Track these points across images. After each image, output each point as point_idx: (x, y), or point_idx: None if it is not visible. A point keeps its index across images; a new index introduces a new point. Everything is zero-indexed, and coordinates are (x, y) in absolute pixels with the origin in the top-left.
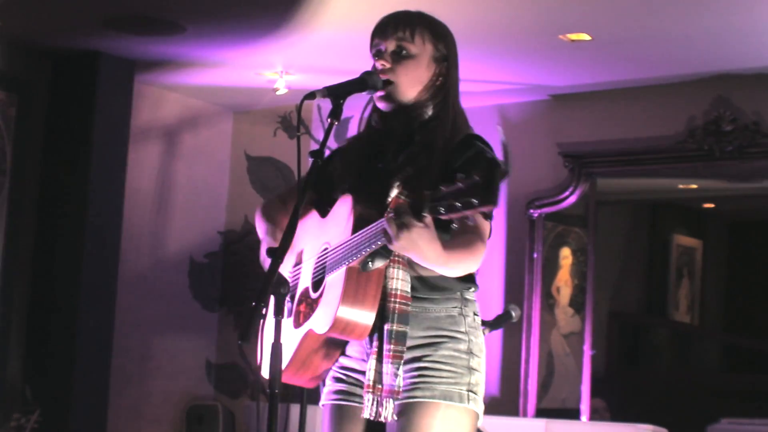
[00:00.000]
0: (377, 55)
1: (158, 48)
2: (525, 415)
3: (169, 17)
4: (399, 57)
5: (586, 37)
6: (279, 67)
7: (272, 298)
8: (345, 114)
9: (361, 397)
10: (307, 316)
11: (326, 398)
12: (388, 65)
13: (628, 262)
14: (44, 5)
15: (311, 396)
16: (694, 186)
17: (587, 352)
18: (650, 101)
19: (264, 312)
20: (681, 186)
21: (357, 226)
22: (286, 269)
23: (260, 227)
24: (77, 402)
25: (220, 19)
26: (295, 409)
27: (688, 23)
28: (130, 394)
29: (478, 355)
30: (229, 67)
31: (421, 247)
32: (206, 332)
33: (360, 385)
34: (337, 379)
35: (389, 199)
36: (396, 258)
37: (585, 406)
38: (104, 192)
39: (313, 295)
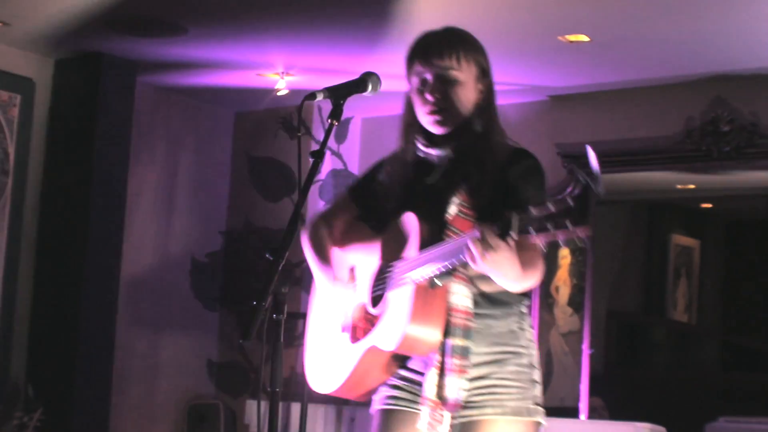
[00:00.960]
0: (423, 84)
1: (160, 49)
2: None
3: (172, 19)
4: (448, 85)
5: (584, 38)
6: (280, 69)
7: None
8: (345, 115)
9: (417, 404)
10: (366, 332)
11: (380, 403)
12: (439, 95)
13: (626, 262)
14: (47, 6)
15: (312, 395)
16: (692, 186)
17: (586, 351)
18: (648, 102)
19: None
20: (679, 186)
21: (424, 246)
22: (336, 285)
23: (312, 259)
24: (79, 401)
25: (222, 21)
26: (295, 408)
27: (686, 25)
28: (132, 392)
29: (537, 367)
30: (231, 69)
31: (504, 268)
32: (207, 331)
33: (417, 393)
34: (393, 386)
35: (448, 216)
36: (458, 274)
37: (583, 405)
38: (106, 192)
39: (374, 311)
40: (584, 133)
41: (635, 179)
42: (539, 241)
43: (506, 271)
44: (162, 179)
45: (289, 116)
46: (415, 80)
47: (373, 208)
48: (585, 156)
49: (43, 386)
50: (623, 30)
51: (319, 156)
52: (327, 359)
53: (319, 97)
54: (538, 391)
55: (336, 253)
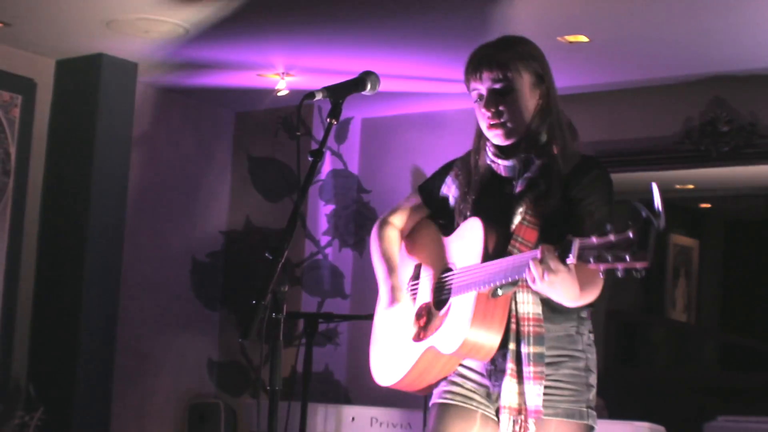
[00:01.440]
0: (479, 99)
1: (161, 50)
2: None
3: (172, 19)
4: (502, 97)
5: (583, 39)
6: (280, 69)
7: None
8: (345, 115)
9: (475, 402)
10: (427, 332)
11: (437, 397)
12: (494, 109)
13: None
14: (49, 7)
15: (312, 394)
16: (691, 186)
17: None
18: (647, 102)
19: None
20: (678, 186)
21: (487, 254)
22: (404, 279)
23: (377, 256)
24: (80, 400)
25: (222, 22)
26: (296, 407)
27: (685, 25)
28: (133, 392)
29: (594, 371)
30: (231, 69)
31: (561, 289)
32: (208, 331)
33: (475, 392)
34: (452, 382)
35: (514, 226)
36: (523, 284)
37: None
38: (107, 192)
39: (437, 313)
40: (583, 133)
41: (634, 179)
42: (598, 268)
43: (563, 293)
44: (162, 179)
45: (289, 116)
46: (474, 95)
47: (442, 208)
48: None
49: (44, 385)
50: (622, 31)
51: (318, 156)
52: (389, 354)
53: (318, 96)
54: (592, 394)
55: (403, 249)
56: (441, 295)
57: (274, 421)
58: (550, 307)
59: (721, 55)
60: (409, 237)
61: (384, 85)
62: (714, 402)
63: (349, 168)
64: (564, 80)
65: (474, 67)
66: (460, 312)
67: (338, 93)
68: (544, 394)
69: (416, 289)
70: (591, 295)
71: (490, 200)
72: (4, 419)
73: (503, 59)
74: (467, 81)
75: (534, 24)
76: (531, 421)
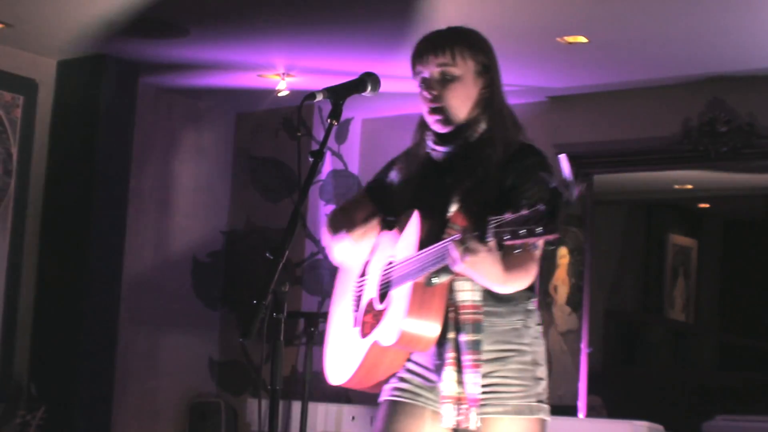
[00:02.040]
0: (423, 83)
1: (162, 51)
2: None
3: (173, 20)
4: (444, 82)
5: (582, 39)
6: (281, 69)
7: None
8: (345, 115)
9: (423, 398)
10: (372, 327)
11: (386, 394)
12: (436, 93)
13: (624, 261)
14: (50, 8)
15: (313, 393)
16: (690, 186)
17: (584, 350)
18: (646, 103)
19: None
20: (676, 186)
21: (423, 243)
22: (352, 279)
23: (329, 241)
24: (82, 399)
25: (223, 23)
26: (296, 406)
27: (683, 26)
28: (134, 391)
29: (542, 363)
30: (232, 70)
31: (483, 271)
32: (209, 330)
33: (423, 388)
34: (401, 379)
35: (449, 215)
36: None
37: (582, 403)
38: (109, 192)
39: (379, 307)
40: (583, 133)
41: (633, 179)
42: (514, 245)
43: (486, 274)
44: (164, 179)
45: (289, 117)
46: (418, 78)
47: (387, 204)
48: (583, 156)
49: (45, 385)
50: (621, 31)
51: (319, 156)
52: (340, 352)
53: (319, 97)
54: (542, 388)
55: (352, 246)
56: (384, 289)
57: (275, 420)
58: (495, 297)
59: (720, 55)
60: (358, 236)
61: (384, 86)
62: (712, 401)
63: (349, 168)
64: (563, 81)
65: (420, 51)
66: (398, 303)
67: (339, 94)
68: (492, 391)
69: (363, 285)
70: (521, 279)
71: (429, 189)
72: (6, 418)
73: (450, 45)
74: (413, 65)
75: (533, 25)
76: (473, 411)
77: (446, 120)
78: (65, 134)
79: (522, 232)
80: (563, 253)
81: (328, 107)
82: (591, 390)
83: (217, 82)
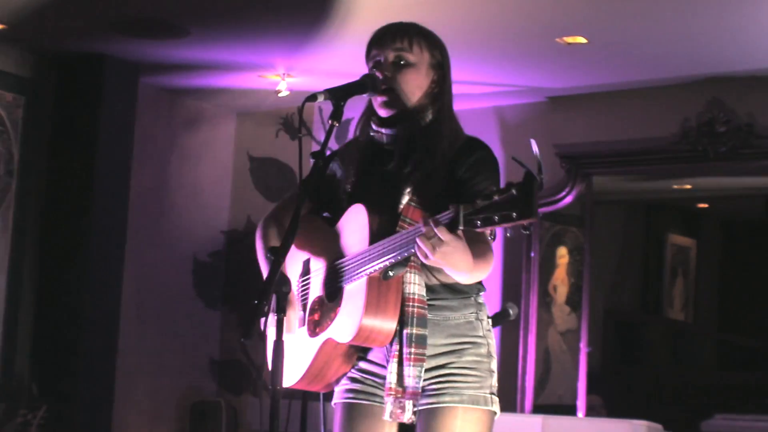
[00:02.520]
0: (376, 66)
1: (163, 51)
2: (522, 411)
3: (173, 21)
4: (399, 66)
5: (582, 40)
6: (281, 70)
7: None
8: (345, 116)
9: (379, 397)
10: (323, 326)
11: (339, 397)
12: (388, 74)
13: (623, 261)
14: (51, 9)
15: (313, 394)
16: (688, 186)
17: (583, 349)
18: (645, 103)
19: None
20: (675, 186)
21: (375, 237)
22: (293, 277)
23: (260, 250)
24: (83, 398)
25: (224, 23)
26: (296, 405)
27: (682, 27)
28: (135, 390)
29: (494, 356)
30: (232, 70)
31: (455, 260)
32: (209, 330)
33: (378, 386)
34: (353, 380)
35: (401, 207)
36: (412, 263)
37: (581, 403)
38: (110, 192)
39: (330, 305)
40: (582, 133)
41: (632, 180)
42: (485, 231)
43: (457, 263)
44: (164, 179)
45: (289, 117)
46: (371, 63)
47: (327, 199)
48: (583, 156)
49: (46, 384)
50: (620, 32)
51: (319, 156)
52: (287, 355)
53: (320, 98)
54: (494, 380)
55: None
56: (333, 285)
57: (275, 419)
58: (448, 289)
59: (719, 56)
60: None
61: None
62: (711, 400)
63: None
64: (562, 81)
65: (379, 37)
66: (354, 298)
67: (339, 95)
68: (448, 381)
69: (308, 284)
70: (484, 268)
71: (375, 179)
72: (8, 417)
73: (408, 34)
74: (369, 49)
75: (533, 25)
76: (409, 403)
77: (393, 101)
78: (66, 134)
79: (496, 218)
80: (563, 253)
81: (328, 108)
82: (590, 389)
83: (217, 82)
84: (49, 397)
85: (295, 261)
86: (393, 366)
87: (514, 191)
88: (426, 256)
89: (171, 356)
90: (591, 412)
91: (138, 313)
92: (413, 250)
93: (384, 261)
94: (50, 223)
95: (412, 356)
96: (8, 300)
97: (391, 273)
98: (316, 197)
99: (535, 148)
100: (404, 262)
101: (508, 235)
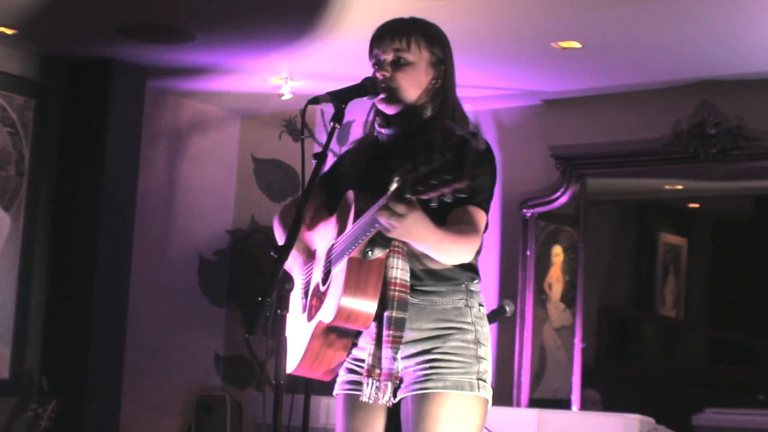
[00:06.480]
0: (377, 65)
1: (169, 55)
2: (518, 405)
3: (180, 26)
4: (398, 66)
5: (576, 44)
6: (284, 74)
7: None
8: (347, 118)
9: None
10: (317, 309)
11: (339, 388)
12: (387, 74)
13: (616, 260)
14: (60, 14)
15: (315, 387)
16: (680, 187)
17: (578, 345)
18: (638, 106)
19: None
20: (667, 187)
21: (357, 218)
22: (298, 267)
23: (279, 235)
24: (92, 393)
25: (228, 28)
26: (299, 399)
27: (674, 32)
28: (142, 385)
29: (485, 343)
30: (237, 74)
31: (416, 233)
32: (214, 326)
33: None
34: (350, 370)
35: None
36: (396, 248)
37: (576, 397)
38: (117, 192)
39: (322, 288)
40: (577, 136)
41: (625, 180)
42: (430, 197)
43: (422, 235)
44: (171, 180)
45: (292, 119)
46: (372, 61)
47: (338, 192)
48: (577, 158)
49: (56, 379)
50: (614, 37)
51: (321, 158)
52: (293, 341)
53: (322, 100)
54: (483, 367)
55: (304, 237)
56: (326, 270)
57: (278, 413)
58: (435, 276)
59: (709, 60)
60: (309, 226)
61: None
62: (702, 395)
63: None
64: (557, 84)
65: (379, 36)
66: (336, 280)
67: (341, 98)
68: (432, 366)
69: (311, 271)
70: (460, 245)
71: (374, 172)
72: (18, 412)
73: (407, 33)
74: (371, 48)
75: (529, 30)
76: (387, 384)
77: (392, 98)
78: (76, 136)
79: (434, 182)
80: (558, 251)
81: (330, 110)
82: (585, 384)
83: (222, 86)
84: (58, 391)
85: (307, 250)
86: (370, 348)
87: (449, 155)
88: (389, 230)
89: (177, 352)
90: (590, 406)
91: (145, 310)
92: (377, 226)
93: (357, 241)
94: (60, 223)
95: (390, 338)
96: (19, 297)
97: (370, 254)
98: (329, 190)
99: (471, 116)
100: (383, 244)
101: (447, 201)
